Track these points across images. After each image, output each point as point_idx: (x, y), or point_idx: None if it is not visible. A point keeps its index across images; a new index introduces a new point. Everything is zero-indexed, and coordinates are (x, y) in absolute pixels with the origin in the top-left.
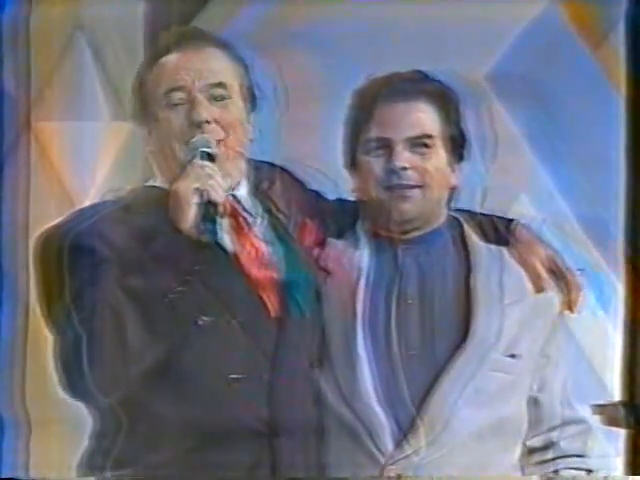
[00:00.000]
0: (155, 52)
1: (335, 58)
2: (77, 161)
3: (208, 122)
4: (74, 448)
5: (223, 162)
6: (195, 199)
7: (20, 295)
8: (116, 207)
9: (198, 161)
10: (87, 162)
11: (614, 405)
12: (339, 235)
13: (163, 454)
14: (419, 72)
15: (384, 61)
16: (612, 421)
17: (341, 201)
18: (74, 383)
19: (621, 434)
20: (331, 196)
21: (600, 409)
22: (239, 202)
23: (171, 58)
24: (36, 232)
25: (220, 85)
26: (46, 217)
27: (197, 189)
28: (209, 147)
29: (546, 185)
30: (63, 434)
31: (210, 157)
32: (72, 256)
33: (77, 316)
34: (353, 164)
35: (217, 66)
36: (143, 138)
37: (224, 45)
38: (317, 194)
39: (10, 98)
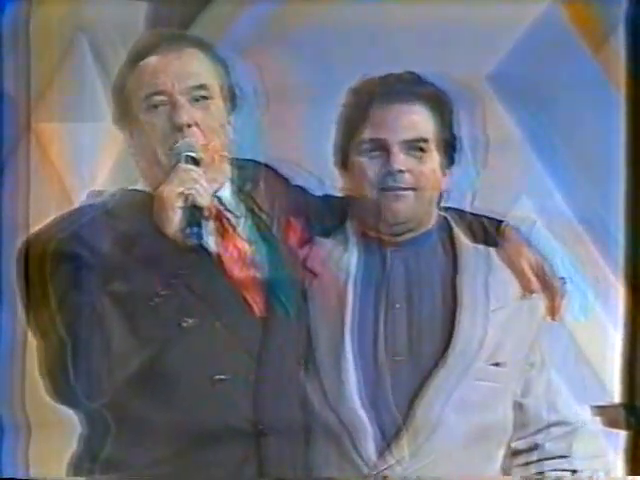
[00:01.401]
0: (134, 55)
1: (333, 61)
2: (77, 162)
3: (189, 125)
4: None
5: (207, 166)
6: (180, 203)
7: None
8: (99, 212)
9: (182, 165)
10: (88, 163)
11: (614, 407)
12: (327, 233)
13: (149, 456)
14: (412, 73)
15: (382, 62)
16: (612, 422)
17: (328, 197)
18: (59, 388)
19: (606, 434)
20: (317, 193)
21: (600, 410)
22: (222, 203)
23: (151, 61)
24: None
25: (201, 87)
26: (46, 218)
27: (182, 193)
28: (193, 151)
29: (547, 186)
30: (63, 435)
31: (194, 161)
32: (55, 262)
33: (61, 321)
34: (345, 164)
35: (197, 68)
36: (125, 141)
37: (204, 46)
38: (303, 190)
39: (11, 99)
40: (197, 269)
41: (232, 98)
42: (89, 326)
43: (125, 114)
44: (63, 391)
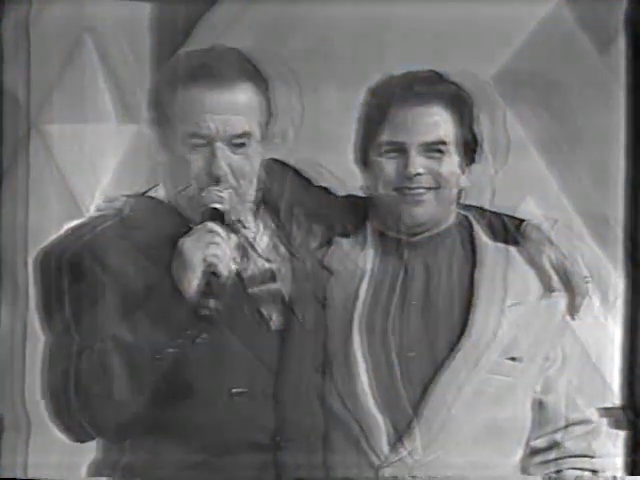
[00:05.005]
0: (177, 76)
1: (339, 58)
2: (82, 163)
3: (225, 174)
4: (74, 449)
5: (231, 213)
6: (201, 267)
7: (20, 296)
8: (113, 221)
9: (209, 224)
10: (93, 164)
11: (620, 408)
12: (348, 233)
13: (168, 469)
14: (434, 72)
15: (389, 61)
16: (618, 423)
17: (352, 197)
18: (63, 421)
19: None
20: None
21: (606, 412)
22: (240, 222)
23: (199, 94)
24: (40, 235)
25: (243, 135)
26: (50, 220)
27: (204, 259)
28: (220, 203)
29: (552, 186)
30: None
31: (219, 214)
32: (69, 277)
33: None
34: (364, 162)
35: (244, 110)
36: (152, 144)
37: (258, 80)
38: (326, 191)
39: (16, 100)
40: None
41: (269, 136)
42: (92, 367)
43: (161, 127)
44: (66, 423)
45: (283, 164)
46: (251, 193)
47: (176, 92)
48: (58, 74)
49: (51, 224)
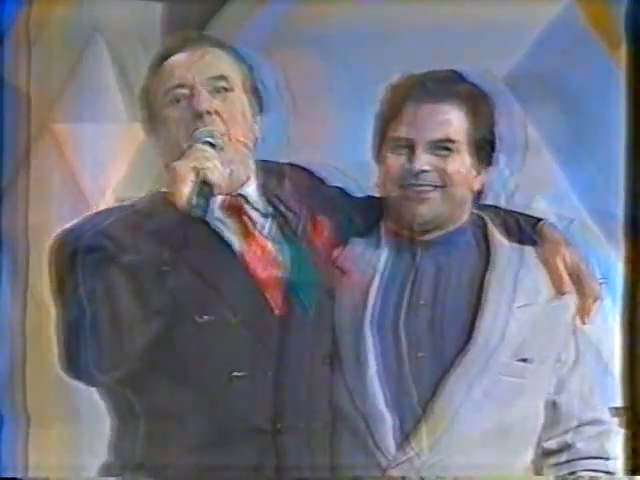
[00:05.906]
0: (158, 57)
1: (350, 60)
2: (94, 162)
3: (209, 112)
4: (74, 447)
5: (225, 150)
6: (191, 177)
7: (22, 294)
8: (127, 212)
9: (199, 145)
10: (104, 163)
11: (629, 407)
12: (364, 233)
13: (166, 455)
14: (454, 72)
15: (398, 62)
16: (630, 423)
17: (369, 198)
18: (71, 360)
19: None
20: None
21: (618, 411)
22: (247, 201)
23: (173, 59)
24: (52, 232)
25: (221, 78)
26: (61, 218)
27: (194, 168)
28: (212, 137)
29: (562, 185)
30: (63, 433)
31: (211, 145)
32: (82, 256)
33: (79, 299)
34: (378, 159)
35: (219, 62)
36: (152, 144)
37: (226, 46)
38: (340, 190)
39: (28, 99)
40: (217, 265)
41: (255, 93)
42: (99, 298)
43: (151, 114)
44: (75, 363)
45: (288, 164)
46: (244, 140)
47: (157, 68)
48: (69, 73)
49: (60, 223)
